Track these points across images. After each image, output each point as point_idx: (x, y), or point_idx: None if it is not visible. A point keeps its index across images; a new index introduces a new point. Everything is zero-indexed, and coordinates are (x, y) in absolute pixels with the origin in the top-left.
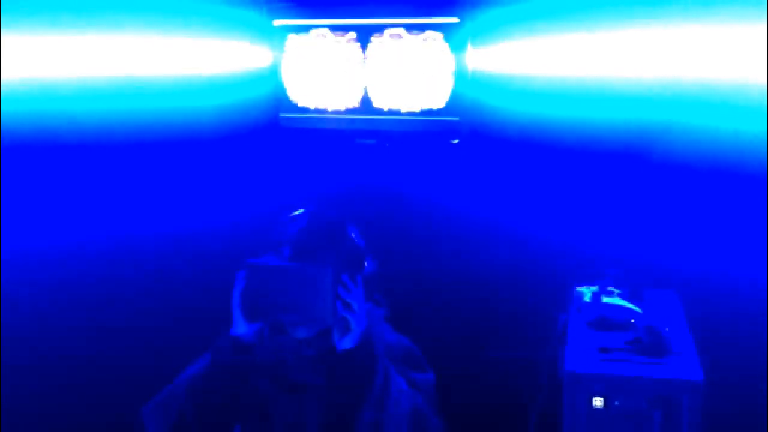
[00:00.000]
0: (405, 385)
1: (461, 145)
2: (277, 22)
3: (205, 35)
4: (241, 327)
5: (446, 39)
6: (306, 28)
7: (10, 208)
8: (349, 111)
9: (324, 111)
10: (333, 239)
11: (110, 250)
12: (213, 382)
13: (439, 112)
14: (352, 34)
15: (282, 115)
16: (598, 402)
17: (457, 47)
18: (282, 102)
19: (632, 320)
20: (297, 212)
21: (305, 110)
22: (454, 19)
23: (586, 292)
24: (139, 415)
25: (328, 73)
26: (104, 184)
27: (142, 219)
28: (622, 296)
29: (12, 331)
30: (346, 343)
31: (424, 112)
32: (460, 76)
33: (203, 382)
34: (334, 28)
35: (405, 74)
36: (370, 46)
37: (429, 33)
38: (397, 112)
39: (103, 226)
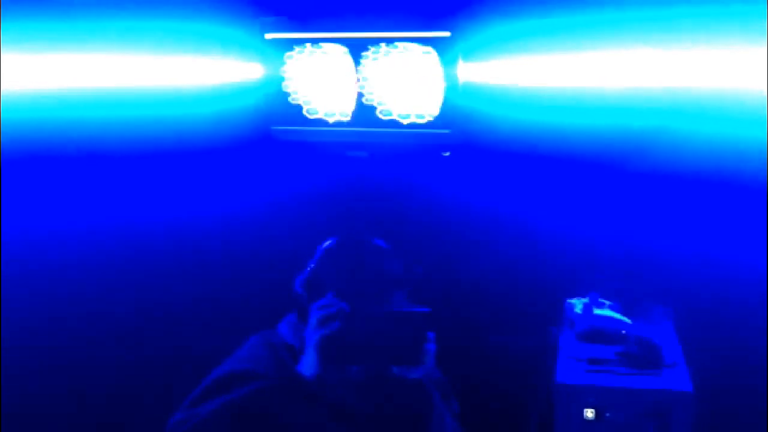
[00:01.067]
0: (452, 420)
1: (452, 158)
2: (269, 36)
3: (197, 47)
4: (313, 368)
5: (438, 53)
6: (298, 42)
7: (10, 216)
8: (340, 124)
9: (316, 123)
10: (397, 275)
11: (104, 256)
12: (260, 405)
13: (430, 124)
14: (344, 48)
15: (274, 127)
16: (589, 413)
17: (449, 61)
18: (274, 114)
19: (623, 332)
20: (330, 245)
21: (297, 123)
22: (446, 33)
23: (578, 304)
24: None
25: (320, 86)
26: (97, 194)
27: (136, 228)
28: (613, 308)
29: (11, 333)
30: (417, 373)
31: (415, 125)
32: (452, 89)
33: (249, 404)
34: (326, 42)
35: (397, 87)
36: (362, 59)
37: (420, 47)
38: (389, 125)
39: (96, 235)
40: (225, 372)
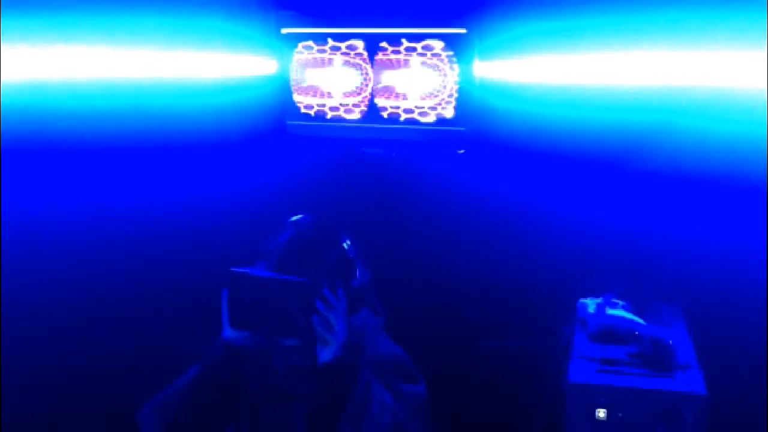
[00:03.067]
0: (389, 398)
1: (467, 155)
2: (285, 30)
3: (213, 41)
4: (228, 332)
5: (453, 49)
6: (314, 37)
7: (10, 211)
8: (355, 120)
9: (331, 119)
10: (318, 251)
11: (113, 252)
12: (205, 384)
13: (445, 122)
14: (360, 43)
15: (289, 122)
16: (601, 414)
17: (464, 58)
18: (289, 109)
19: (636, 332)
20: (290, 220)
21: (312, 118)
22: (462, 30)
23: (591, 304)
24: (136, 418)
25: (335, 82)
26: (109, 188)
27: (145, 223)
28: (626, 308)
29: (10, 332)
30: (325, 356)
31: (430, 122)
32: (467, 86)
33: (196, 384)
34: (341, 37)
35: (412, 84)
36: (377, 55)
37: (436, 43)
38: (404, 122)
39: (106, 229)
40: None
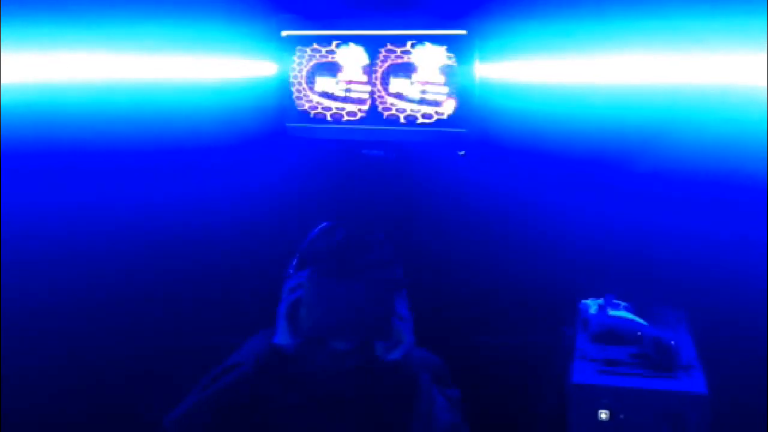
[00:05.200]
0: (445, 402)
1: (468, 157)
2: (286, 33)
3: (213, 44)
4: (285, 338)
5: (454, 51)
6: (314, 39)
7: (12, 213)
8: (356, 122)
9: (331, 121)
10: (377, 253)
11: (112, 252)
12: (245, 390)
13: (446, 123)
14: (360, 46)
15: (289, 124)
16: (603, 415)
17: (465, 59)
18: (289, 112)
19: (638, 333)
20: (325, 226)
21: (312, 120)
22: (462, 32)
23: (592, 305)
24: (162, 426)
25: (336, 84)
26: (111, 190)
27: (148, 224)
28: (628, 309)
29: (12, 332)
30: (396, 354)
31: (431, 124)
32: (467, 87)
33: (235, 390)
34: (341, 39)
35: (412, 85)
36: (378, 57)
37: (437, 45)
38: (404, 123)
39: (108, 231)
40: (217, 367)
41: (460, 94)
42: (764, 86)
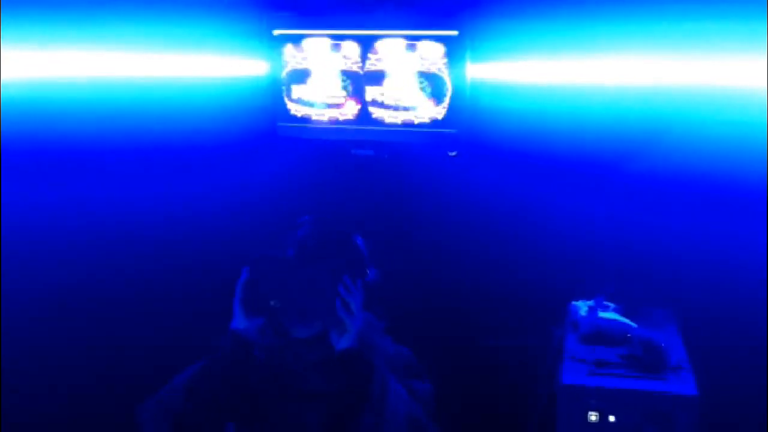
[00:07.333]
0: (404, 393)
1: (459, 158)
2: (277, 32)
3: (204, 42)
4: (241, 321)
5: (445, 51)
6: (306, 38)
7: (11, 213)
8: (347, 122)
9: (322, 121)
10: (337, 245)
11: (108, 253)
12: (211, 377)
13: (437, 123)
14: (352, 45)
15: (280, 124)
16: (593, 416)
17: (456, 60)
18: (280, 111)
19: (628, 334)
20: (303, 220)
21: (303, 120)
22: (454, 32)
23: (582, 307)
24: (135, 414)
25: (327, 84)
26: (102, 189)
27: (140, 223)
28: (617, 311)
29: (11, 332)
30: (343, 343)
31: (422, 124)
32: (459, 88)
33: (201, 377)
34: (334, 39)
35: (403, 86)
36: (369, 57)
37: (428, 45)
38: (395, 124)
39: (100, 231)
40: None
41: (452, 95)
42: (764, 87)
